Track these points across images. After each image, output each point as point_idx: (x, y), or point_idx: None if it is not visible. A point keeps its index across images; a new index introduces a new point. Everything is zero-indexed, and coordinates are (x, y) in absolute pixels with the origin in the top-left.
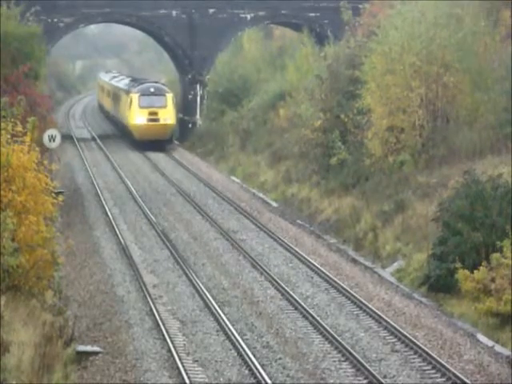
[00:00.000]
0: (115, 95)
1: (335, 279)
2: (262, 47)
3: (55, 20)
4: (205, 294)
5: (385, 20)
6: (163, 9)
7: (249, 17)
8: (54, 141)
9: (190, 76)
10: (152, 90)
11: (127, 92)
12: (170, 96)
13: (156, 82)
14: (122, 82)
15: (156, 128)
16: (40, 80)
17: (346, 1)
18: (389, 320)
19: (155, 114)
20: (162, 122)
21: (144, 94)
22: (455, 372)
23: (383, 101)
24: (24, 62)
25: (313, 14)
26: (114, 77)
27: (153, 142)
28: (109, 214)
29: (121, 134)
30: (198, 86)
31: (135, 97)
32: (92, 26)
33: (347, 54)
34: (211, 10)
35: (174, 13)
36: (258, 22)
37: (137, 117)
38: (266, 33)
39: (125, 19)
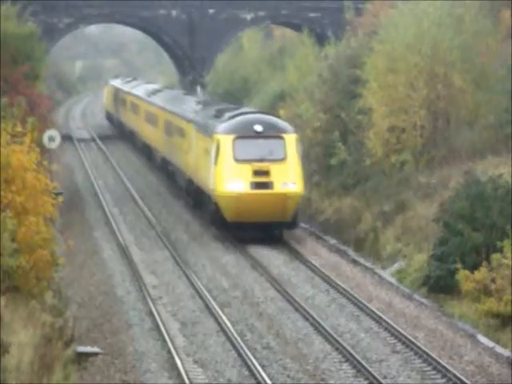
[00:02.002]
0: (168, 126)
1: (335, 280)
2: (262, 47)
3: (55, 20)
4: (205, 295)
5: (387, 19)
6: (163, 9)
7: (249, 17)
8: (53, 141)
9: (190, 77)
10: (258, 127)
11: (205, 129)
12: (291, 138)
13: (263, 113)
14: (184, 105)
15: (267, 201)
16: (40, 80)
17: (348, 0)
18: (389, 321)
19: (266, 174)
20: (278, 189)
21: (243, 135)
22: (455, 373)
23: (384, 101)
24: (24, 62)
25: (313, 14)
26: (157, 91)
27: (258, 226)
28: (108, 214)
29: (189, 200)
30: (198, 87)
31: (226, 141)
32: (92, 27)
33: (348, 53)
34: (211, 11)
35: (173, 13)
36: (258, 22)
37: (229, 179)
38: (266, 33)
39: (125, 19)
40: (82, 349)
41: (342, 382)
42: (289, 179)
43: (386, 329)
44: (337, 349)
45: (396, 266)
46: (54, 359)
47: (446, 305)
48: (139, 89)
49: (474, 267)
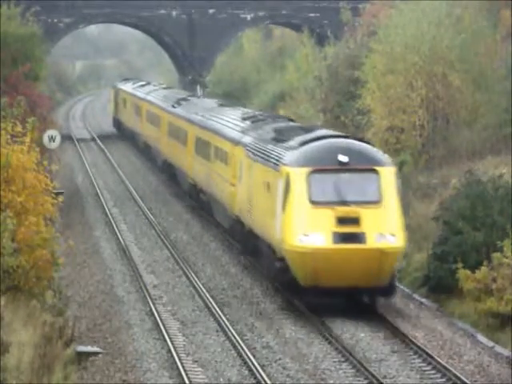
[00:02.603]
0: (201, 145)
1: None
2: (261, 48)
3: (55, 20)
4: (204, 295)
5: (386, 19)
6: (163, 9)
7: (249, 17)
8: (53, 141)
9: (189, 77)
10: (343, 157)
11: (263, 156)
12: (389, 173)
13: (348, 137)
14: (225, 121)
15: (356, 260)
16: (40, 80)
17: (346, 1)
18: (389, 320)
19: (354, 222)
20: (372, 243)
21: (323, 168)
22: (455, 372)
23: (383, 101)
24: (24, 62)
25: (313, 15)
26: (182, 100)
27: (342, 293)
28: (108, 214)
29: (241, 248)
30: (198, 87)
31: (299, 176)
32: (92, 27)
33: (347, 54)
34: (211, 11)
35: (173, 13)
36: (258, 23)
37: (303, 230)
38: (266, 33)
39: (125, 19)
40: (82, 348)
41: (341, 381)
42: (387, 229)
43: (385, 328)
44: (336, 348)
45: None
46: (54, 359)
47: (446, 305)
48: (158, 96)
49: (474, 266)
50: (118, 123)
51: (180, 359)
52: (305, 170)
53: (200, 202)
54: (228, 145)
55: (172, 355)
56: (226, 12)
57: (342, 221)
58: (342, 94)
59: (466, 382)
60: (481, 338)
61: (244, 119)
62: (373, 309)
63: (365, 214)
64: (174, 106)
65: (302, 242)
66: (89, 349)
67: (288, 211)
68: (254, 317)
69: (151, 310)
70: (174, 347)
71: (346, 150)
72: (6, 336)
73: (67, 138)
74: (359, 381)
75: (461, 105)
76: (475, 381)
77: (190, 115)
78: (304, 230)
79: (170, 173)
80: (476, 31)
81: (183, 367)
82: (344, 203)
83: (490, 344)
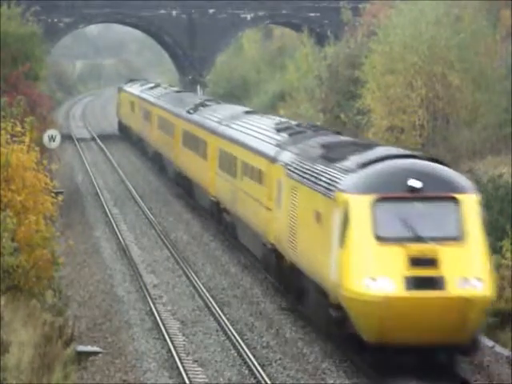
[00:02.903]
0: (226, 158)
1: None
2: (261, 47)
3: (55, 20)
4: (204, 294)
5: (386, 19)
6: (163, 9)
7: (249, 17)
8: (54, 141)
9: (190, 76)
10: (416, 182)
11: (311, 178)
12: (471, 201)
13: (418, 157)
14: (255, 132)
15: (434, 310)
16: (40, 80)
17: (347, 1)
18: None
19: (431, 263)
20: (454, 290)
21: (390, 195)
22: (455, 372)
23: (383, 101)
24: (24, 62)
25: (313, 14)
26: (200, 105)
27: (414, 350)
28: (108, 214)
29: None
30: (198, 87)
31: (361, 205)
32: (92, 26)
33: (347, 54)
34: (211, 10)
35: (173, 13)
36: (258, 22)
37: (368, 273)
38: (266, 33)
39: (125, 19)
40: (82, 348)
41: (341, 381)
42: (471, 273)
43: None
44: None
45: None
46: (53, 358)
47: None
48: (170, 100)
49: None
50: (124, 128)
51: (180, 359)
52: (368, 198)
53: (222, 222)
54: (261, 161)
55: (172, 355)
56: (226, 12)
57: (415, 262)
58: (342, 93)
59: (466, 382)
60: (480, 337)
61: (279, 130)
62: (452, 371)
63: (444, 253)
64: (189, 112)
65: (367, 288)
66: (89, 348)
67: (348, 249)
68: (254, 317)
69: (151, 309)
70: (174, 347)
71: (418, 173)
72: (6, 336)
73: (67, 137)
74: (360, 380)
75: (461, 105)
76: (475, 381)
77: (211, 123)
78: (370, 273)
79: (185, 186)
80: (475, 31)
81: (183, 367)
82: (418, 239)
83: (490, 344)
